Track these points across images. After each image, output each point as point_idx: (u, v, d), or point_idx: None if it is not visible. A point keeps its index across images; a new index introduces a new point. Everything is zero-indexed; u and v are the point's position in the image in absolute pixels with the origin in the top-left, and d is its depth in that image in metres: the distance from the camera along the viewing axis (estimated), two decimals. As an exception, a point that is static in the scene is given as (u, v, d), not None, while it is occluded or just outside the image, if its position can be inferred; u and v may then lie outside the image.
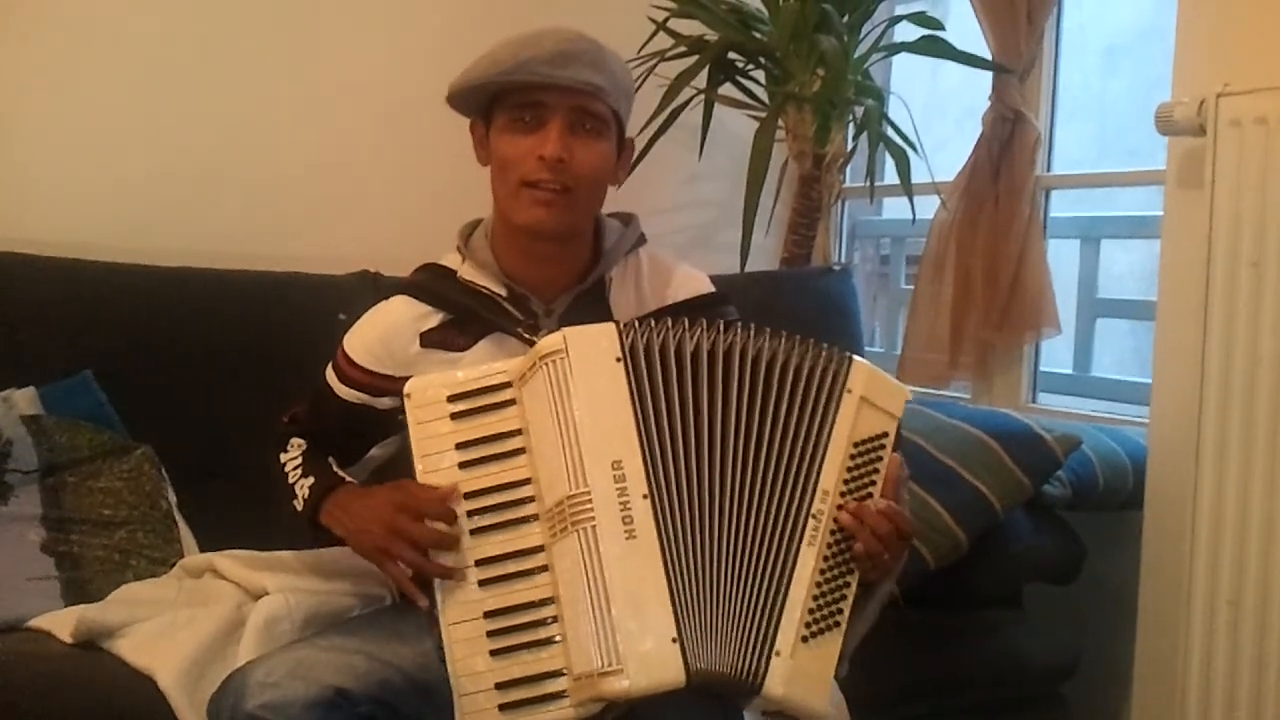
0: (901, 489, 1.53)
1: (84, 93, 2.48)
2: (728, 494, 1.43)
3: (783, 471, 1.45)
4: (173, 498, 2.09)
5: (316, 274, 2.40)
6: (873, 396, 1.49)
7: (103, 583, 1.88)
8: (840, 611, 1.44)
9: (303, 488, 1.63)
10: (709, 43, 2.73)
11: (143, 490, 2.05)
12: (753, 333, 1.48)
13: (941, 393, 2.76)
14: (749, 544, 1.42)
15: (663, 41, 2.72)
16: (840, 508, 1.45)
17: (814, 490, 1.44)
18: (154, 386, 2.18)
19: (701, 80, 2.70)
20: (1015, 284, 2.55)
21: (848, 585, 1.45)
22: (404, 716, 1.49)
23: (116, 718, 1.62)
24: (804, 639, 1.40)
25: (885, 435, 1.50)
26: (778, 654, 1.38)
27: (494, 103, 1.63)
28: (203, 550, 2.01)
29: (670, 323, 1.47)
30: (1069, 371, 3.13)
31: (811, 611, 1.41)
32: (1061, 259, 2.89)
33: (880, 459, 1.49)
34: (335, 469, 1.67)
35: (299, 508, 1.63)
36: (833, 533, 1.44)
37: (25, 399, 2.06)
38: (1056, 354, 2.94)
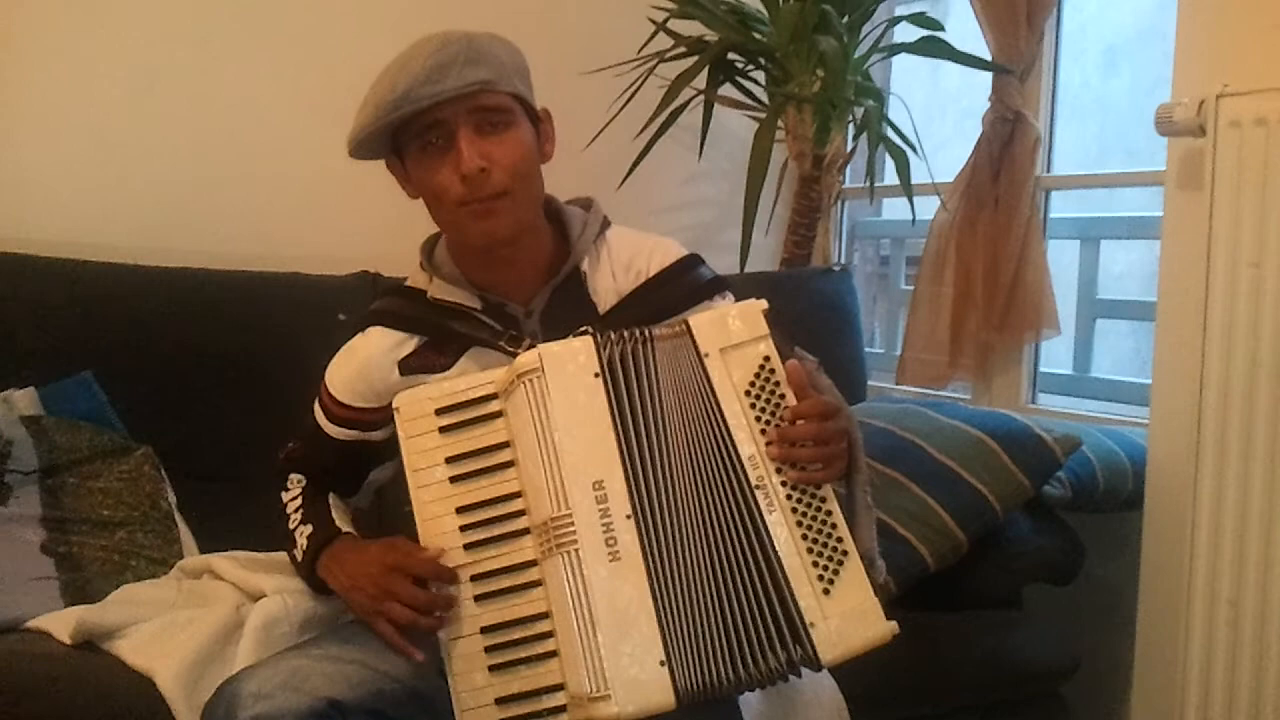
0: (816, 379, 1.51)
1: (84, 93, 2.48)
2: (693, 505, 1.43)
3: (710, 466, 1.44)
4: (172, 498, 2.09)
5: (316, 274, 2.40)
6: (729, 341, 1.47)
7: (102, 583, 1.88)
8: (840, 539, 1.42)
9: (301, 535, 1.63)
10: (709, 43, 2.73)
11: (142, 491, 2.05)
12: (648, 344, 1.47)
13: (941, 393, 2.76)
14: (721, 548, 1.41)
15: (662, 42, 2.71)
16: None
17: (741, 463, 1.43)
18: (154, 387, 2.18)
19: (701, 81, 2.70)
20: (1015, 284, 2.55)
21: (829, 513, 1.43)
22: None
23: (115, 719, 1.62)
24: (825, 591, 1.40)
25: (766, 359, 1.47)
26: (813, 626, 1.38)
27: (397, 138, 1.60)
28: (202, 551, 2.01)
29: (643, 333, 1.47)
30: (1069, 372, 3.14)
31: (816, 564, 1.40)
32: (1061, 259, 2.90)
33: (777, 381, 1.47)
34: (334, 515, 1.65)
35: (298, 557, 1.63)
36: (783, 484, 1.43)
37: (25, 399, 2.06)
38: (1056, 354, 2.95)
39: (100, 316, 2.21)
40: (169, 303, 2.27)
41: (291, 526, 1.65)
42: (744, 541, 1.42)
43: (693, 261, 1.69)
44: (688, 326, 1.48)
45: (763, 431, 1.45)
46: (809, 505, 1.43)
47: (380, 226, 2.68)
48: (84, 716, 1.60)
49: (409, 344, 1.63)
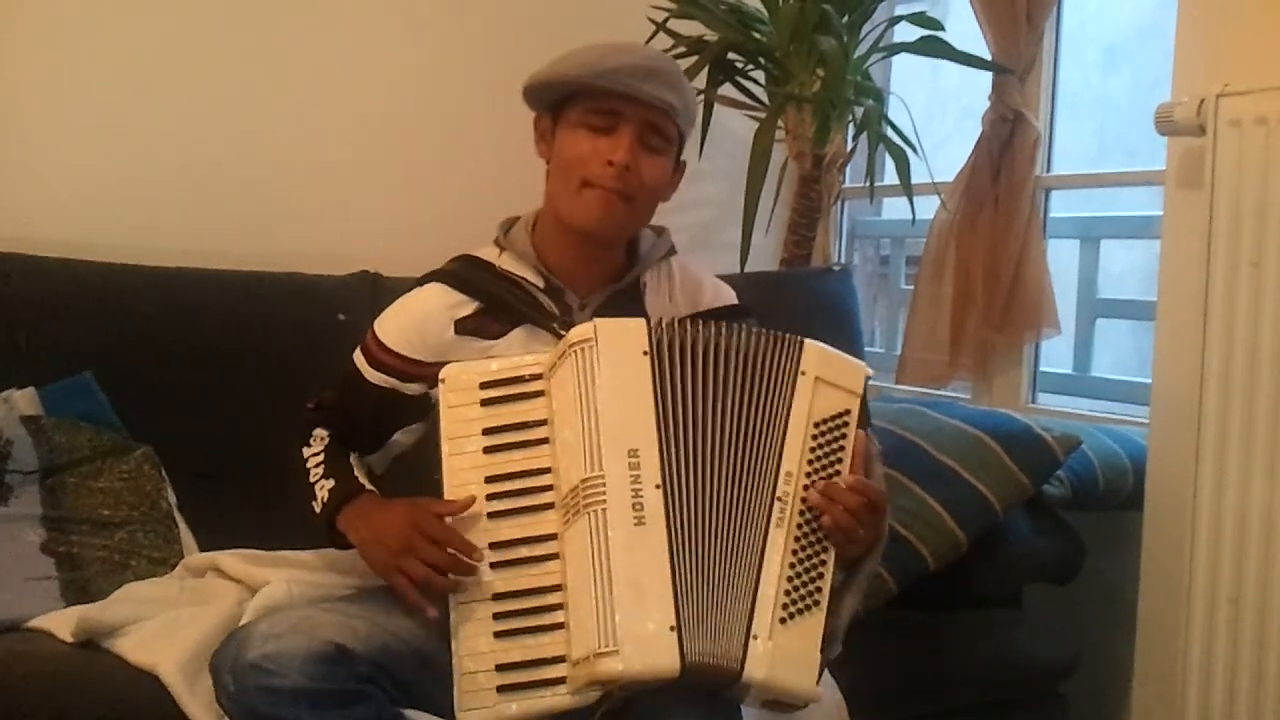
0: (874, 464, 1.56)
1: (84, 92, 2.48)
2: (720, 486, 1.46)
3: (752, 460, 1.48)
4: (173, 498, 2.09)
5: (316, 274, 2.40)
6: (828, 376, 1.51)
7: (103, 583, 1.88)
8: (819, 590, 1.45)
9: (322, 489, 1.65)
10: (709, 43, 2.73)
11: (143, 490, 2.05)
12: (737, 331, 1.52)
13: (941, 393, 2.76)
14: (731, 534, 1.45)
15: (662, 42, 2.71)
16: (807, 487, 1.47)
17: (777, 473, 1.47)
18: (154, 387, 2.18)
19: (701, 80, 2.70)
20: (1015, 284, 2.55)
21: (824, 564, 1.46)
22: (403, 682, 1.51)
23: (117, 717, 1.62)
24: (782, 621, 1.42)
25: (847, 413, 1.52)
26: (755, 638, 1.40)
27: (567, 101, 1.67)
28: (203, 550, 2.01)
29: (691, 324, 1.51)
30: (1069, 371, 3.14)
31: (788, 593, 1.43)
32: (1061, 259, 2.90)
33: (844, 436, 1.51)
34: (356, 473, 1.69)
35: (317, 509, 1.65)
36: (802, 513, 1.46)
37: (25, 399, 2.06)
38: (1056, 354, 2.95)
39: (100, 316, 2.21)
40: (169, 302, 2.27)
41: (312, 480, 1.67)
42: (745, 537, 1.45)
43: (742, 310, 1.78)
44: (803, 341, 1.52)
45: (809, 463, 1.48)
46: (810, 545, 1.47)
47: (381, 226, 2.69)
48: (85, 714, 1.61)
49: (467, 306, 1.69)
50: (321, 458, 1.70)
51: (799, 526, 1.46)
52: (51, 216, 2.42)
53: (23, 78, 2.44)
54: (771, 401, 1.50)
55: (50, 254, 2.24)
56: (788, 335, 1.53)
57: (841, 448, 1.50)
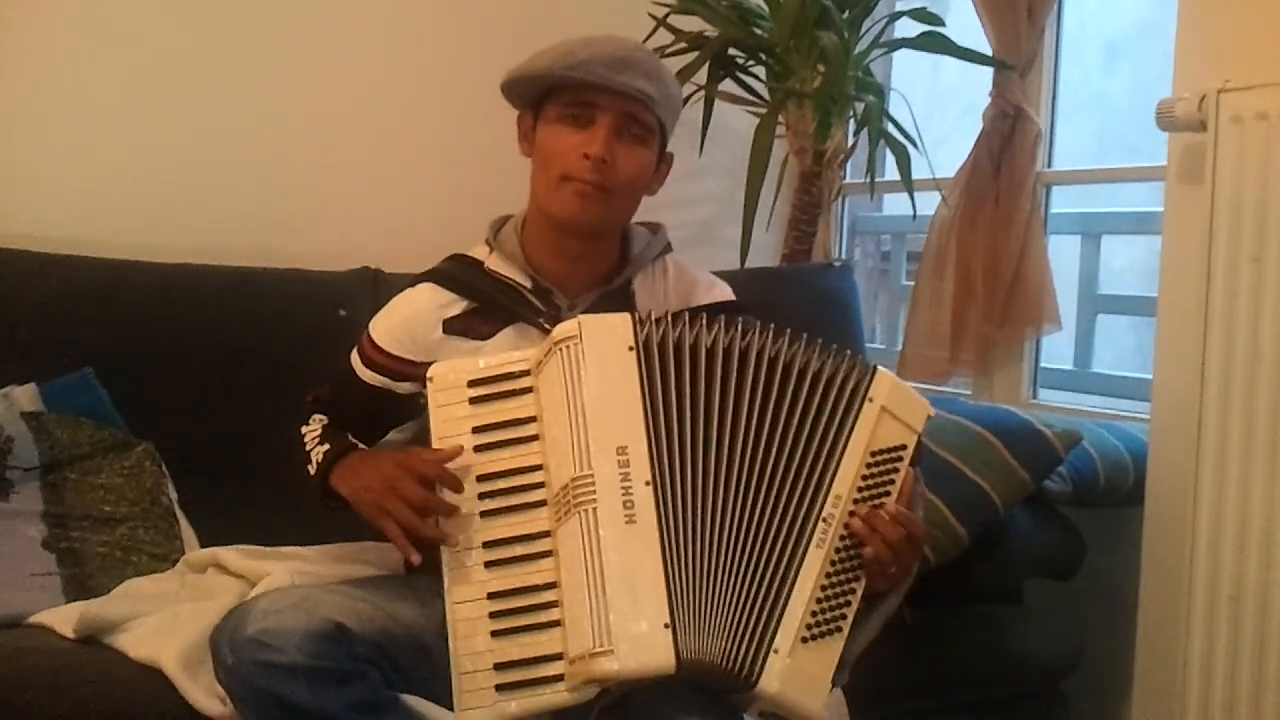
0: (917, 503, 1.55)
1: (84, 89, 2.48)
2: (734, 488, 1.45)
3: (795, 473, 1.46)
4: (174, 494, 2.09)
5: (317, 270, 2.40)
6: (894, 408, 1.51)
7: (104, 579, 1.89)
8: (844, 617, 1.45)
9: (317, 453, 1.66)
10: (709, 39, 2.73)
11: (143, 486, 2.05)
12: (771, 334, 1.51)
13: (942, 389, 2.76)
14: (754, 539, 1.43)
15: (663, 38, 2.71)
16: (852, 513, 1.46)
17: (826, 494, 1.46)
18: (155, 383, 2.18)
19: (702, 76, 2.70)
20: (1016, 280, 2.55)
21: (853, 592, 1.47)
22: (402, 668, 1.52)
23: (118, 714, 1.62)
24: (804, 640, 1.42)
25: (904, 447, 1.52)
26: (775, 651, 1.40)
27: (546, 97, 1.67)
28: (204, 546, 2.01)
29: (686, 318, 1.50)
30: (1070, 367, 3.14)
31: (814, 614, 1.43)
32: (1062, 255, 2.90)
33: (897, 470, 1.51)
34: (351, 439, 1.69)
35: (311, 472, 1.66)
36: (842, 538, 1.46)
37: (26, 395, 2.06)
38: (1057, 350, 2.95)
39: (101, 312, 2.21)
40: (170, 299, 2.27)
41: (308, 449, 1.68)
42: (778, 549, 1.44)
43: (739, 306, 1.76)
44: (876, 368, 1.52)
45: (859, 490, 1.48)
46: (845, 571, 1.46)
47: (382, 223, 2.69)
48: (87, 709, 1.61)
49: (457, 306, 1.70)
50: (318, 431, 1.71)
51: (837, 551, 1.45)
52: (51, 215, 2.42)
53: (23, 78, 2.44)
54: (828, 419, 1.48)
55: (51, 250, 2.24)
56: (859, 357, 1.52)
57: (892, 481, 1.50)
